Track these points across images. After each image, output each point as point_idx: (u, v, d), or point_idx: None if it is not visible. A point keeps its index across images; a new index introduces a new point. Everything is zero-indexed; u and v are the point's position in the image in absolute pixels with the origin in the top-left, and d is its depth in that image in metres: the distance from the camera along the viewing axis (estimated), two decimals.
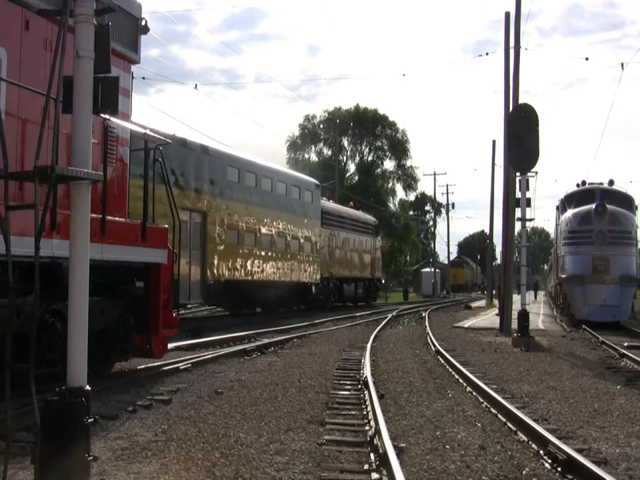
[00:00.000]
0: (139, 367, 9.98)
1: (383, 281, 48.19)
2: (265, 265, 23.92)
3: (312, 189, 29.05)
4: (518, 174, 17.19)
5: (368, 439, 6.11)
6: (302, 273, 27.49)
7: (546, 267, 76.66)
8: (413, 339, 17.31)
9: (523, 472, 5.30)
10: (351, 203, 40.12)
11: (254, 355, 12.90)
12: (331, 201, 36.32)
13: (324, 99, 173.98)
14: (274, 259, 24.72)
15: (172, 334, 10.02)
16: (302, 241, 27.48)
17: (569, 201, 23.99)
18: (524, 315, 15.95)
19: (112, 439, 6.07)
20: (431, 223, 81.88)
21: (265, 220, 24.09)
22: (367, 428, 6.61)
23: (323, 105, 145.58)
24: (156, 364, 10.18)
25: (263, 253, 23.79)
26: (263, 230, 23.95)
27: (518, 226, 18.20)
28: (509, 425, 6.90)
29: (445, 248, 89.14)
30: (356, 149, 63.24)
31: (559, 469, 5.32)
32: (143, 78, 27.00)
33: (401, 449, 5.69)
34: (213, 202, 20.52)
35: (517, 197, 17.79)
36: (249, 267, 22.69)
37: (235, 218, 21.84)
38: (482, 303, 44.99)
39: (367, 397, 8.06)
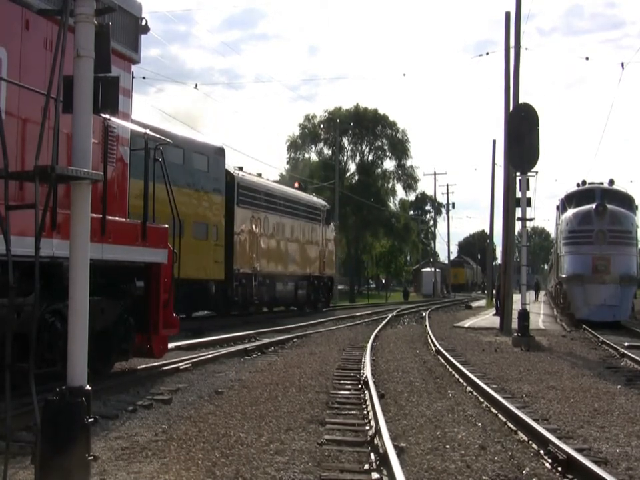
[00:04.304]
0: (139, 367, 9.98)
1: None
2: None
3: (208, 154, 21.61)
4: (518, 174, 17.20)
5: (368, 439, 6.10)
6: (188, 266, 19.79)
7: (546, 267, 76.61)
8: (413, 338, 17.31)
9: (523, 472, 5.30)
10: (296, 183, 33.19)
11: (254, 355, 12.89)
12: (269, 178, 29.32)
13: (324, 98, 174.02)
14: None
15: (172, 334, 10.02)
16: (190, 221, 20.13)
17: (569, 200, 24.00)
18: (524, 315, 15.95)
19: (112, 439, 6.07)
20: (431, 222, 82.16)
21: None
22: (367, 428, 6.61)
23: (323, 105, 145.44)
24: (156, 364, 10.17)
25: None
26: None
27: (518, 225, 18.22)
28: (509, 424, 6.90)
29: (445, 248, 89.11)
30: (356, 148, 63.10)
31: (559, 468, 5.32)
32: (143, 78, 26.95)
33: (401, 449, 5.69)
34: None
35: (517, 196, 17.78)
36: None
37: None
38: (482, 302, 44.98)
39: (367, 397, 8.05)
